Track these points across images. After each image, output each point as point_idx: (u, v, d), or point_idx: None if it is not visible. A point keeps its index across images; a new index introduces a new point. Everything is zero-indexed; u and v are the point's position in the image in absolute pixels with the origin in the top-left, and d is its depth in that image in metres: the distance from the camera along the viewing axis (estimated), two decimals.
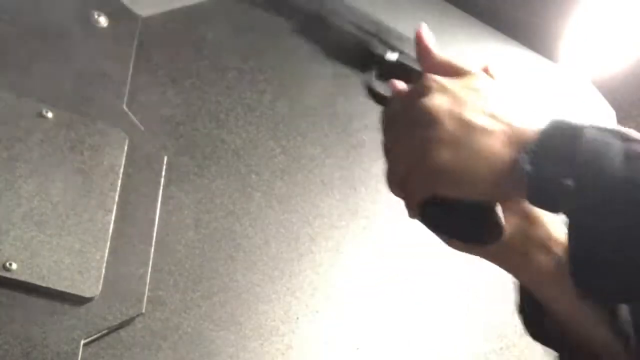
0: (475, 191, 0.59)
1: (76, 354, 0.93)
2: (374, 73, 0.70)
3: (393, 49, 0.72)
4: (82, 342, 0.95)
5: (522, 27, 1.67)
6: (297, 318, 1.14)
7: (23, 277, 0.93)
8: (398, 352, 1.20)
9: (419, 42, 0.70)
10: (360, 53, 0.70)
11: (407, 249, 1.29)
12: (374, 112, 1.43)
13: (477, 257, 0.68)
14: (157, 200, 1.09)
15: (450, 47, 1.56)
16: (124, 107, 1.13)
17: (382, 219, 1.30)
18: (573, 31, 1.65)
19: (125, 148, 1.09)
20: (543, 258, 0.65)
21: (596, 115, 1.70)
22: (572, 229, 0.56)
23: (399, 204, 1.40)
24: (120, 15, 1.20)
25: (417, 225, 1.34)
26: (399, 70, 0.69)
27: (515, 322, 1.33)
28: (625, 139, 0.57)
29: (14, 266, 0.93)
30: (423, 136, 0.60)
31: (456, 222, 0.61)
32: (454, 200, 0.60)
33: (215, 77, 1.26)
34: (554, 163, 0.57)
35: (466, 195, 0.60)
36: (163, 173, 1.12)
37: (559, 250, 0.65)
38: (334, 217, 1.25)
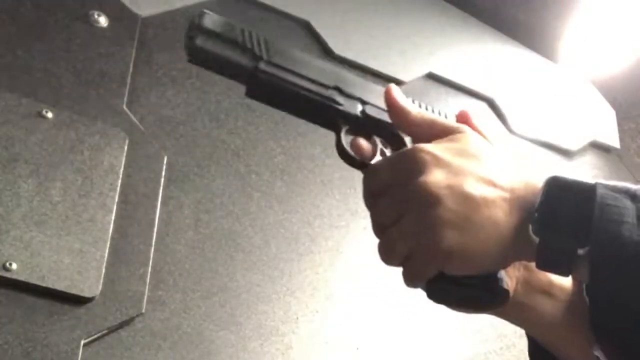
0: (483, 266, 0.58)
1: (76, 354, 0.93)
2: (343, 132, 0.65)
3: (357, 99, 0.66)
4: (82, 341, 0.95)
5: (522, 28, 1.67)
6: (297, 318, 1.14)
7: (23, 277, 0.93)
8: (398, 352, 1.20)
9: (392, 104, 0.65)
10: (323, 110, 0.65)
11: None
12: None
13: None
14: (157, 200, 1.09)
15: (449, 47, 1.57)
16: (124, 107, 1.13)
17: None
18: (573, 31, 1.65)
19: (125, 148, 1.09)
20: (546, 304, 0.64)
21: (596, 115, 1.70)
22: (590, 294, 0.55)
23: None
24: (120, 15, 1.20)
25: None
26: (371, 123, 0.65)
27: None
28: (636, 198, 0.56)
29: (14, 266, 0.93)
30: (426, 217, 0.57)
31: (462, 294, 0.60)
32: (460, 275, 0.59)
33: (215, 77, 1.26)
34: (564, 231, 0.55)
35: (474, 272, 0.59)
36: (163, 173, 1.12)
37: (562, 295, 0.64)
38: (334, 217, 1.25)
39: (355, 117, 0.65)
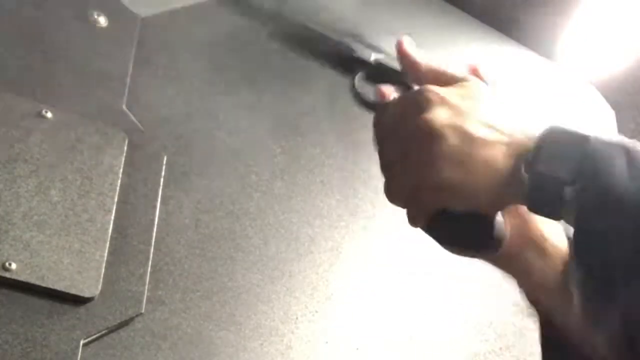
0: (480, 203, 0.61)
1: (75, 354, 0.93)
2: (359, 76, 0.69)
3: (376, 49, 0.70)
4: (82, 342, 0.94)
5: (521, 27, 1.67)
6: (297, 318, 1.14)
7: (22, 277, 0.93)
8: (397, 352, 1.20)
9: (402, 55, 0.69)
10: (344, 56, 0.69)
11: (407, 250, 1.29)
12: (373, 112, 1.42)
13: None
14: (156, 200, 1.09)
15: (449, 46, 1.56)
16: (124, 107, 1.13)
17: (382, 219, 1.29)
18: (572, 31, 1.65)
19: (125, 148, 1.09)
20: (539, 259, 0.67)
21: (595, 115, 1.70)
22: (575, 233, 0.57)
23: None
24: (120, 15, 1.20)
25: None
26: (384, 71, 0.68)
27: (514, 322, 1.33)
28: (628, 151, 0.58)
29: (13, 266, 0.93)
30: (428, 152, 0.60)
31: (460, 233, 0.63)
32: (458, 211, 0.61)
33: (215, 77, 1.26)
34: (554, 172, 0.58)
35: (471, 208, 0.61)
36: (162, 173, 1.12)
37: (553, 251, 0.66)
38: (334, 217, 1.25)
39: (370, 63, 0.69)
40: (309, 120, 1.31)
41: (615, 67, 1.69)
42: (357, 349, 1.17)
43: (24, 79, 1.08)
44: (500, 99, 0.65)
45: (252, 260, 1.15)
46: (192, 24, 1.27)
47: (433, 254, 1.32)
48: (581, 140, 0.58)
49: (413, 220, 0.65)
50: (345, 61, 0.68)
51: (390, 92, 0.68)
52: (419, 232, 1.31)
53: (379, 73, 0.68)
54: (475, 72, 0.67)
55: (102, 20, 1.18)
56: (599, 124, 1.69)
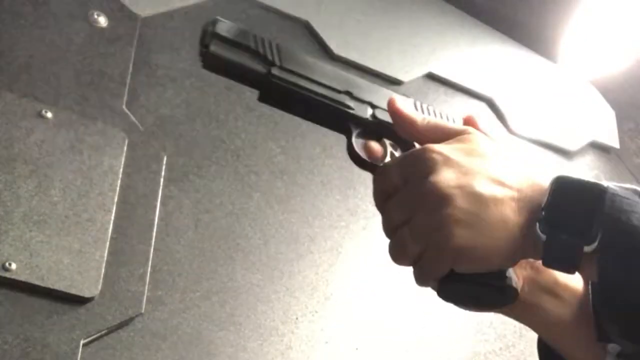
0: (493, 264, 0.59)
1: (75, 354, 0.93)
2: (355, 134, 0.67)
3: (367, 103, 0.68)
4: (82, 342, 0.95)
5: (522, 28, 1.67)
6: (297, 318, 1.14)
7: (22, 277, 0.93)
8: (397, 352, 1.20)
9: (396, 116, 0.66)
10: (339, 114, 0.67)
11: None
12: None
13: None
14: (156, 200, 1.09)
15: (449, 47, 1.57)
16: (124, 107, 1.13)
17: (381, 219, 1.29)
18: (572, 32, 1.65)
19: (125, 148, 1.09)
20: (551, 304, 0.65)
21: (595, 115, 1.70)
22: (599, 281, 0.56)
23: None
24: (120, 15, 1.20)
25: None
26: (382, 127, 0.66)
27: (514, 322, 1.33)
28: None
29: (14, 266, 0.93)
30: (437, 216, 0.58)
31: (472, 292, 0.62)
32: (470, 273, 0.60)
33: (215, 77, 1.26)
34: (571, 228, 0.57)
35: (483, 269, 0.60)
36: (162, 173, 1.12)
37: (567, 295, 0.65)
38: (334, 217, 1.25)
39: (366, 120, 0.67)
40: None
41: (615, 67, 1.69)
42: (357, 348, 1.17)
43: (24, 79, 1.08)
44: (502, 149, 0.63)
45: (251, 260, 1.15)
46: (192, 24, 1.27)
47: None
48: (597, 192, 0.56)
49: (421, 282, 0.63)
50: (341, 119, 0.66)
51: (379, 149, 0.66)
52: None
53: (376, 129, 0.66)
54: (470, 122, 0.65)
55: (102, 20, 1.18)
56: (599, 124, 1.69)
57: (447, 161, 0.60)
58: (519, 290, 0.62)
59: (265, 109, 1.28)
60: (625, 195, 0.56)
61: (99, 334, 0.97)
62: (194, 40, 1.26)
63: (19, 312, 0.93)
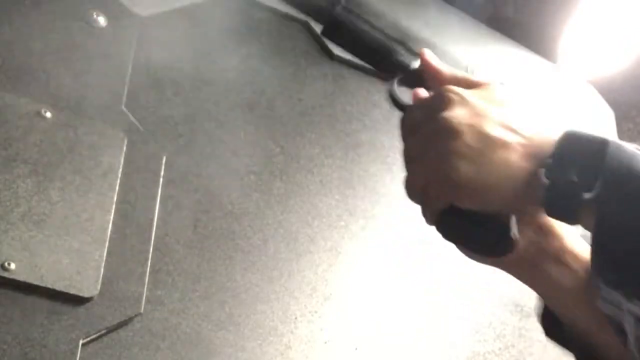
0: (493, 204, 0.61)
1: (75, 354, 0.93)
2: (396, 80, 0.71)
3: (416, 55, 0.73)
4: (81, 342, 0.95)
5: (521, 28, 1.67)
6: (296, 318, 1.14)
7: (21, 277, 0.93)
8: (397, 352, 1.20)
9: (426, 66, 0.71)
10: (384, 58, 0.72)
11: (405, 249, 1.29)
12: (373, 112, 1.43)
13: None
14: (155, 200, 1.09)
15: (448, 47, 1.56)
16: (123, 107, 1.13)
17: (381, 219, 1.30)
18: (572, 32, 1.65)
19: (124, 148, 1.09)
20: (556, 270, 0.66)
21: (595, 115, 1.70)
22: (597, 230, 0.57)
23: (398, 204, 1.40)
24: (120, 15, 1.20)
25: (416, 226, 1.33)
26: (421, 77, 0.71)
27: (514, 322, 1.33)
28: None
29: (13, 266, 0.93)
30: (444, 148, 0.61)
31: (471, 232, 0.63)
32: (471, 211, 0.61)
33: (214, 77, 1.26)
34: (573, 174, 0.58)
35: (484, 207, 0.61)
36: (162, 173, 1.12)
37: (573, 263, 0.66)
38: (333, 217, 1.25)
39: (410, 69, 0.71)
40: (308, 120, 1.32)
41: (615, 67, 1.69)
42: (356, 348, 1.17)
43: (23, 79, 1.08)
44: (520, 102, 0.66)
45: (251, 260, 1.15)
46: (192, 23, 1.27)
47: (432, 254, 1.32)
48: (600, 144, 0.59)
49: (426, 216, 0.66)
50: (387, 63, 0.72)
51: (425, 95, 0.70)
52: (418, 233, 1.31)
53: (416, 79, 0.70)
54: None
55: (102, 20, 1.18)
56: (599, 124, 1.69)
57: (463, 101, 0.63)
58: (517, 242, 0.63)
59: (265, 108, 1.29)
60: (628, 147, 0.58)
61: (98, 334, 0.97)
62: (194, 40, 1.26)
63: (18, 312, 0.93)
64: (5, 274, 0.93)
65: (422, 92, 0.71)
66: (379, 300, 1.23)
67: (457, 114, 0.62)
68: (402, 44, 0.74)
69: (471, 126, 0.61)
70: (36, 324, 0.93)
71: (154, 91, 1.19)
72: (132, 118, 1.13)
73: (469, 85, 0.68)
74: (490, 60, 1.62)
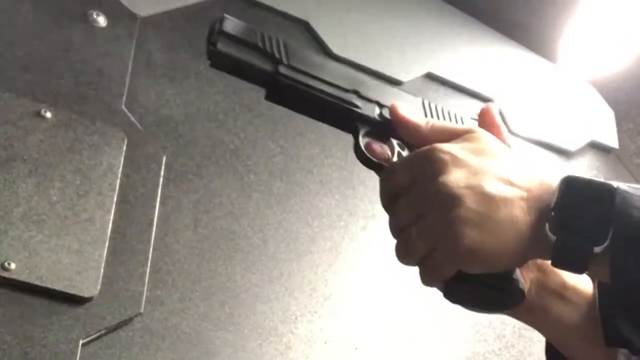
0: (502, 264, 0.59)
1: (75, 354, 0.93)
2: (361, 134, 0.66)
3: (374, 102, 0.67)
4: (81, 341, 0.95)
5: (521, 28, 1.67)
6: (296, 318, 1.14)
7: (21, 277, 0.93)
8: (396, 352, 1.20)
9: (400, 121, 0.66)
10: (346, 114, 0.66)
11: None
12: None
13: None
14: (155, 200, 1.09)
15: (448, 47, 1.56)
16: (123, 107, 1.13)
17: (380, 219, 1.29)
18: (571, 32, 1.65)
19: (124, 148, 1.09)
20: (559, 307, 0.65)
21: (595, 115, 1.70)
22: (612, 279, 0.56)
23: None
24: (119, 15, 1.20)
25: None
26: (388, 128, 0.66)
27: (514, 322, 1.33)
28: None
29: (13, 266, 0.93)
30: (447, 217, 0.58)
31: (478, 294, 0.61)
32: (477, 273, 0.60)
33: (214, 77, 1.26)
34: (581, 228, 0.56)
35: (492, 270, 0.59)
36: (162, 173, 1.12)
37: (575, 298, 0.65)
38: (333, 217, 1.25)
39: (374, 120, 0.66)
40: (308, 120, 1.31)
41: (615, 67, 1.69)
42: (356, 348, 1.17)
43: (23, 79, 1.08)
44: (509, 148, 0.63)
45: (251, 260, 1.15)
46: (191, 23, 1.27)
47: None
48: (608, 193, 0.56)
49: (428, 283, 0.63)
50: (348, 119, 0.66)
51: (382, 150, 0.65)
52: None
53: (384, 129, 0.65)
54: (487, 115, 0.66)
55: (102, 20, 1.18)
56: (598, 124, 1.69)
57: (456, 161, 0.60)
58: (526, 292, 0.61)
59: (265, 108, 1.29)
60: (635, 193, 0.56)
61: (98, 334, 0.97)
62: (193, 40, 1.26)
63: (18, 312, 0.93)
64: (5, 274, 0.93)
65: (376, 146, 0.66)
66: (378, 300, 1.23)
67: (454, 178, 0.58)
68: (356, 92, 0.67)
69: (471, 188, 0.58)
70: (36, 324, 0.93)
71: (153, 91, 1.19)
72: (132, 118, 1.13)
73: (451, 135, 0.63)
74: (491, 60, 1.62)
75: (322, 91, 0.66)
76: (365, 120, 0.67)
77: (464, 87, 1.54)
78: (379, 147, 0.66)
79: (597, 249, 0.56)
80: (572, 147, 1.61)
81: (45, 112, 1.05)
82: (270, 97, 0.67)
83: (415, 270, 0.61)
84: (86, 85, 1.12)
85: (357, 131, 0.66)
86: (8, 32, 1.11)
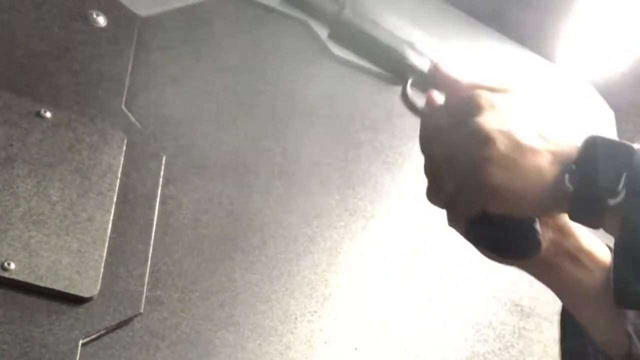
0: (524, 209, 0.62)
1: (74, 354, 0.93)
2: (409, 83, 0.70)
3: (427, 57, 0.72)
4: (81, 342, 0.94)
5: (521, 28, 1.67)
6: (296, 318, 1.14)
7: (21, 277, 0.93)
8: (396, 352, 1.20)
9: (442, 76, 0.71)
10: (398, 61, 0.71)
11: (405, 250, 1.29)
12: (373, 113, 1.43)
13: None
14: (155, 200, 1.09)
15: (448, 47, 1.56)
16: (123, 106, 1.13)
17: (380, 219, 1.30)
18: (572, 32, 1.65)
19: (124, 148, 1.09)
20: (573, 269, 0.68)
21: (595, 115, 1.70)
22: (623, 228, 0.58)
23: (398, 204, 1.40)
24: (119, 14, 1.20)
25: (416, 226, 1.34)
26: (435, 79, 0.70)
27: (513, 323, 1.33)
28: None
29: (12, 266, 0.93)
30: (476, 155, 0.61)
31: (498, 237, 0.64)
32: (499, 216, 0.62)
33: (214, 77, 1.26)
34: (599, 182, 0.59)
35: (514, 213, 0.62)
36: (161, 173, 1.12)
37: (589, 262, 0.67)
38: (333, 218, 1.25)
39: (421, 71, 0.70)
40: (308, 120, 1.32)
41: (615, 67, 1.69)
42: (356, 349, 1.17)
43: (22, 79, 1.08)
44: (546, 109, 0.67)
45: (250, 260, 1.15)
46: (191, 23, 1.27)
47: (432, 254, 1.32)
48: (626, 151, 0.60)
49: (453, 221, 0.66)
50: (399, 66, 0.70)
51: (440, 99, 0.70)
52: (418, 233, 1.31)
53: (429, 81, 0.69)
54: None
55: (102, 20, 1.18)
56: (599, 124, 1.69)
57: (493, 106, 0.63)
58: (543, 244, 0.64)
59: (265, 108, 1.29)
60: None
61: (97, 334, 0.97)
62: (193, 40, 1.26)
63: (18, 312, 0.93)
64: (5, 274, 0.93)
65: (437, 96, 0.71)
66: (378, 300, 1.23)
67: (488, 120, 0.62)
68: (411, 45, 0.72)
69: (503, 133, 0.62)
70: (36, 324, 0.93)
71: (154, 91, 1.19)
72: (131, 118, 1.13)
73: (490, 89, 0.67)
74: (491, 60, 1.62)
75: (377, 38, 0.71)
76: (414, 70, 0.71)
77: None
78: (439, 96, 0.70)
79: (611, 202, 0.58)
80: None
81: (45, 112, 1.05)
82: (332, 36, 0.73)
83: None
84: (86, 85, 1.12)
85: (406, 79, 0.71)
86: (8, 32, 1.11)
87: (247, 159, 1.23)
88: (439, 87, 0.70)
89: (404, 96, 0.70)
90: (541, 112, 0.66)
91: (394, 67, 0.71)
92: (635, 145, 0.60)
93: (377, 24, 0.70)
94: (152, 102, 1.18)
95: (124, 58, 1.17)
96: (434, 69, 0.70)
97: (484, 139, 0.61)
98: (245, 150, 1.23)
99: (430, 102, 0.70)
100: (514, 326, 1.33)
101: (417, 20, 1.56)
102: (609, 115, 1.71)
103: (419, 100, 0.70)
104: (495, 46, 1.66)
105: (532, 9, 1.64)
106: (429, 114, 0.68)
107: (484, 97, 0.64)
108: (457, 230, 0.66)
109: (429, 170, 0.66)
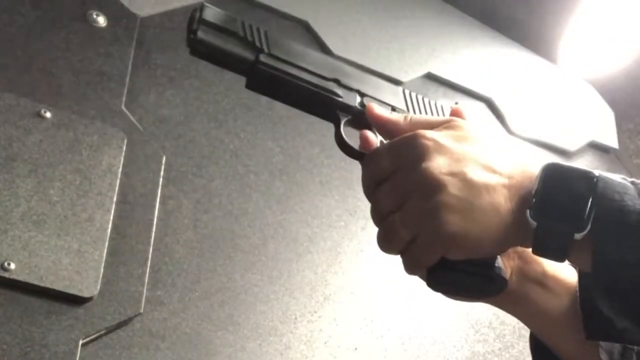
0: (483, 251, 0.59)
1: (74, 354, 0.93)
2: (342, 123, 0.66)
3: (355, 91, 0.67)
4: (81, 342, 0.95)
5: (521, 28, 1.67)
6: (296, 318, 1.14)
7: (21, 277, 0.93)
8: (396, 352, 1.20)
9: (377, 120, 0.65)
10: (327, 102, 0.66)
11: None
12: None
13: None
14: (155, 200, 1.09)
15: (448, 47, 1.57)
16: (123, 107, 1.13)
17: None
18: (572, 32, 1.65)
19: (124, 148, 1.09)
20: (542, 296, 0.65)
21: (595, 115, 1.70)
22: (594, 263, 0.55)
23: None
24: (119, 15, 1.20)
25: None
26: (365, 115, 0.66)
27: (513, 323, 1.33)
28: (634, 183, 0.57)
29: (12, 266, 0.93)
30: (430, 203, 0.58)
31: (461, 281, 0.61)
32: (458, 261, 0.59)
33: (214, 78, 1.26)
34: (561, 215, 0.56)
35: (474, 256, 0.59)
36: (161, 173, 1.12)
37: (556, 287, 0.65)
38: (333, 217, 1.25)
39: (355, 108, 0.66)
40: (308, 120, 1.31)
41: (615, 67, 1.69)
42: (356, 349, 1.17)
43: (23, 79, 1.08)
44: (491, 135, 0.63)
45: (250, 260, 1.15)
46: None
47: None
48: (588, 179, 0.56)
49: (411, 270, 0.62)
50: (329, 107, 0.65)
51: (374, 138, 0.65)
52: None
53: (365, 117, 0.65)
54: (457, 114, 0.65)
55: (102, 20, 1.18)
56: (598, 124, 1.69)
57: (439, 147, 0.59)
58: (508, 279, 0.61)
59: (265, 108, 1.29)
60: (615, 179, 0.57)
61: (97, 334, 0.97)
62: None
63: (18, 312, 0.93)
64: (5, 274, 0.93)
65: (370, 134, 0.65)
66: (379, 300, 1.23)
67: (436, 164, 0.58)
68: (337, 82, 0.67)
69: (454, 175, 0.58)
70: (36, 324, 0.93)
71: (153, 91, 1.19)
72: (131, 118, 1.13)
73: (431, 126, 0.63)
74: (491, 60, 1.63)
75: (302, 79, 0.66)
76: (346, 109, 0.67)
77: (463, 87, 1.54)
78: (371, 136, 0.66)
79: (577, 236, 0.56)
80: (571, 147, 1.61)
81: (45, 112, 1.05)
82: (250, 85, 0.67)
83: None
84: (86, 86, 1.12)
85: (339, 120, 0.66)
86: (8, 32, 1.11)
87: (247, 159, 1.23)
88: (373, 128, 0.65)
89: (338, 138, 0.66)
90: (488, 140, 0.62)
91: (323, 110, 0.66)
92: (596, 172, 0.57)
93: (297, 65, 0.65)
94: (152, 102, 1.18)
95: (124, 58, 1.17)
96: (369, 112, 0.65)
97: (435, 186, 0.57)
98: (245, 150, 1.23)
99: (365, 144, 0.65)
100: (514, 326, 1.33)
101: (417, 20, 1.56)
102: (609, 115, 1.71)
103: (354, 141, 0.65)
104: (495, 46, 1.66)
105: (532, 9, 1.64)
106: (371, 158, 0.63)
107: (428, 136, 0.60)
108: (417, 276, 0.63)
109: (378, 217, 0.62)
